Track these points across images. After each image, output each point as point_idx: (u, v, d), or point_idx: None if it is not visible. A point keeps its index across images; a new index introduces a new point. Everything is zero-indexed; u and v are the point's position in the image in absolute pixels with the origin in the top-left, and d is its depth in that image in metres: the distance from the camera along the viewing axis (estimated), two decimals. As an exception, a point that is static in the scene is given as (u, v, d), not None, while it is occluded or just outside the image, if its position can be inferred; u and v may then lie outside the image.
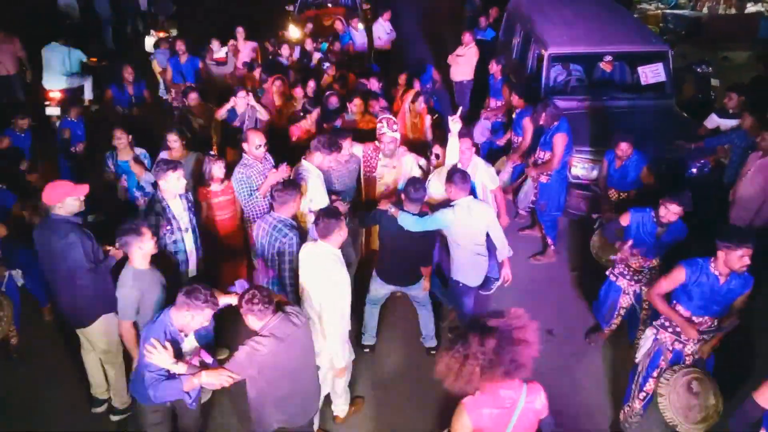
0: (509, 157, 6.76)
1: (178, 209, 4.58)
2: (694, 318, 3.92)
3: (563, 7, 8.34)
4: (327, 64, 8.37)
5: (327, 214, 3.95)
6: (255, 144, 5.20)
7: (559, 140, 5.89)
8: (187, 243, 4.63)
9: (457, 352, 2.69)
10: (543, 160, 6.09)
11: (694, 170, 6.54)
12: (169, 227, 4.48)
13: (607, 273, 5.00)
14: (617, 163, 5.77)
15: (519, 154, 6.68)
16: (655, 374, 4.10)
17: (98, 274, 4.17)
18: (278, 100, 7.14)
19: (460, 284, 4.85)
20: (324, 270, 3.86)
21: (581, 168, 6.59)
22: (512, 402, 2.79)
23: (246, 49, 9.16)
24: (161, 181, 4.50)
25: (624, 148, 5.66)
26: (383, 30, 10.49)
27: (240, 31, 9.25)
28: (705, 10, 13.97)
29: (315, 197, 4.96)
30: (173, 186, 4.51)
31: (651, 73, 7.36)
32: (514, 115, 7.06)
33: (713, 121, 6.69)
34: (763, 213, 5.28)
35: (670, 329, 4.03)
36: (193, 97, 6.91)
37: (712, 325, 3.95)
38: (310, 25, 9.97)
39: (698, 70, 9.09)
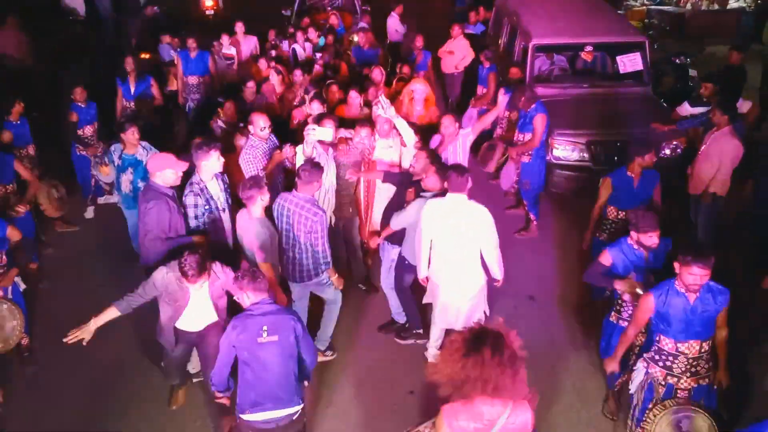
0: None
1: (215, 190, 4.85)
2: (680, 345, 3.72)
3: (547, 2, 8.81)
4: (318, 55, 8.86)
5: (461, 171, 4.53)
6: (260, 126, 5.57)
7: (539, 121, 6.35)
8: (225, 222, 4.93)
9: (463, 359, 2.61)
10: (523, 141, 6.55)
11: (668, 151, 7.01)
12: (207, 206, 4.76)
13: (612, 318, 4.55)
14: (635, 179, 5.19)
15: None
16: (650, 406, 3.88)
17: (171, 246, 4.46)
18: (279, 88, 7.60)
19: (406, 261, 5.14)
20: (474, 213, 4.56)
21: (562, 150, 7.04)
22: (490, 421, 2.69)
23: (247, 44, 9.63)
24: (203, 161, 4.71)
25: (648, 159, 5.14)
26: (399, 24, 10.98)
27: (239, 26, 9.72)
28: (688, 6, 14.43)
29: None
30: (213, 165, 4.75)
31: (629, 62, 7.82)
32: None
33: (686, 109, 7.12)
34: (717, 181, 5.77)
35: (660, 363, 3.83)
36: (228, 107, 6.87)
37: (701, 350, 3.74)
38: (306, 20, 10.42)
39: (677, 61, 9.57)
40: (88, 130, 7.16)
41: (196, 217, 4.79)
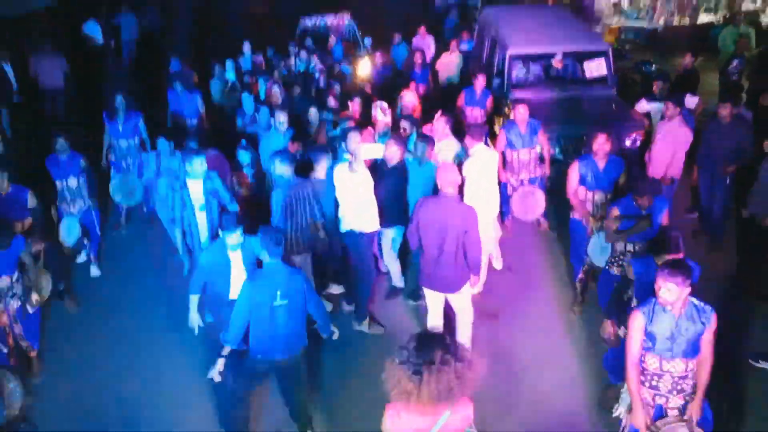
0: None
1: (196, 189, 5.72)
2: (665, 363, 3.65)
3: (522, 16, 9.89)
4: (318, 74, 9.89)
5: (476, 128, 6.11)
6: (279, 119, 6.98)
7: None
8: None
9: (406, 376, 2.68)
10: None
11: (628, 143, 7.96)
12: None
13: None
14: (601, 164, 5.69)
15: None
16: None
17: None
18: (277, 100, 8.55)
19: None
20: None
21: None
22: (433, 419, 2.77)
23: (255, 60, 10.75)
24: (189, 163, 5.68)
25: (601, 141, 5.68)
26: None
27: (246, 46, 10.84)
28: (661, 22, 15.57)
29: None
30: (197, 169, 5.63)
31: (594, 68, 8.84)
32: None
33: (642, 106, 8.08)
34: (673, 166, 6.67)
35: (646, 384, 3.75)
36: (275, 91, 8.39)
37: (687, 369, 3.66)
38: (309, 40, 11.47)
39: (643, 68, 10.65)
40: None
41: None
